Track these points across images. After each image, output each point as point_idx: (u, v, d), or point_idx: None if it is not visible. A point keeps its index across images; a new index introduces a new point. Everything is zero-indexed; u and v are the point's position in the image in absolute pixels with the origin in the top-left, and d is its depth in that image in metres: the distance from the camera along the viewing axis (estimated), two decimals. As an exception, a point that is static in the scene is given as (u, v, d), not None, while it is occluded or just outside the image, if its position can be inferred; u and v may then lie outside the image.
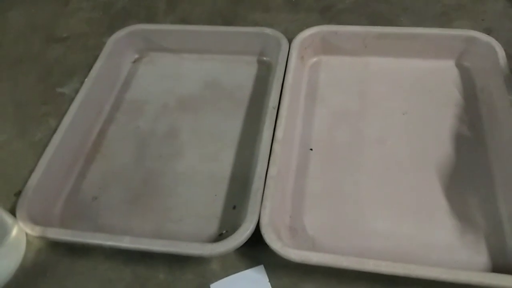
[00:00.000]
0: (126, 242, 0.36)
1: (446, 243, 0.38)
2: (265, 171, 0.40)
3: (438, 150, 0.43)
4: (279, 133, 0.42)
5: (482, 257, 0.37)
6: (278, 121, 0.43)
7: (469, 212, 0.39)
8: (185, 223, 0.41)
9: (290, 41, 0.51)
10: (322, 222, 0.40)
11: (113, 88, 0.53)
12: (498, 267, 0.36)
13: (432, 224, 0.39)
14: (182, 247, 0.36)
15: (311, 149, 0.45)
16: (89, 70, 0.51)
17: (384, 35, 0.49)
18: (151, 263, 0.39)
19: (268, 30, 0.52)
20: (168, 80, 0.53)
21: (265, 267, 0.38)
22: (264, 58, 0.54)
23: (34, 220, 0.39)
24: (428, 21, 0.56)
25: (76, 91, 0.50)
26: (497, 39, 0.47)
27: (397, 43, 0.49)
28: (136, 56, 0.57)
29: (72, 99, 0.49)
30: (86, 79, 0.50)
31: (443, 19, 0.56)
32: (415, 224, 0.39)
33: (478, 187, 0.41)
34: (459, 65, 0.50)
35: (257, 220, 0.37)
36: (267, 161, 0.40)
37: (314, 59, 0.52)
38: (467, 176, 0.41)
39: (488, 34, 0.48)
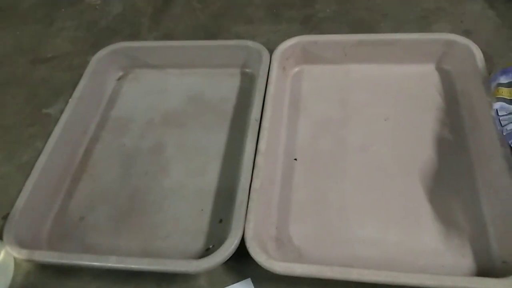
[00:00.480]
0: (112, 262, 0.36)
1: (432, 248, 0.38)
2: (249, 184, 0.40)
3: (421, 155, 0.44)
4: (262, 145, 0.42)
5: (467, 260, 0.37)
6: (261, 133, 0.43)
7: (453, 215, 0.39)
8: (172, 239, 0.41)
9: (272, 52, 0.51)
10: (308, 231, 0.40)
11: (98, 106, 0.53)
12: (483, 269, 0.36)
13: (418, 229, 0.39)
14: (167, 265, 0.36)
15: (296, 159, 0.45)
16: (74, 90, 0.52)
17: (364, 42, 0.49)
18: (139, 281, 0.39)
19: (249, 43, 0.52)
20: (153, 96, 0.54)
21: (252, 280, 0.38)
22: (247, 70, 0.54)
23: (21, 243, 0.40)
24: (408, 25, 0.57)
25: (62, 111, 0.50)
26: (476, 40, 0.48)
27: (377, 50, 0.50)
28: (121, 73, 0.57)
29: (57, 120, 0.49)
30: (70, 99, 0.50)
31: (423, 23, 0.57)
32: (401, 230, 0.39)
33: (461, 190, 0.41)
34: (439, 69, 0.50)
35: (242, 234, 0.37)
36: (251, 174, 0.40)
37: (296, 69, 0.53)
38: (450, 179, 0.42)
39: (467, 36, 0.49)
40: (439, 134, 0.45)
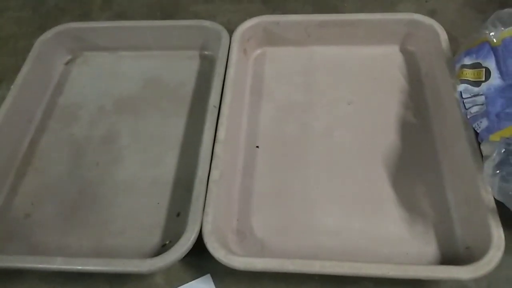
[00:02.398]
0: (58, 264, 0.34)
1: (396, 236, 0.37)
2: (207, 175, 0.38)
3: (384, 139, 0.42)
4: (221, 133, 0.40)
5: (431, 247, 0.36)
6: (220, 120, 0.41)
7: (417, 201, 0.39)
8: (126, 235, 0.39)
9: (232, 33, 0.48)
10: (271, 223, 0.39)
11: (44, 93, 0.49)
12: (448, 255, 0.36)
13: (382, 217, 0.38)
14: (117, 265, 0.33)
15: (258, 147, 0.43)
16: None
17: (326, 23, 0.47)
18: (91, 282, 0.37)
19: (207, 23, 0.49)
20: (105, 81, 0.50)
21: (212, 276, 0.36)
22: (206, 53, 0.51)
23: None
24: (373, 5, 0.55)
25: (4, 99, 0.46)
26: (441, 21, 0.47)
27: (340, 31, 0.48)
28: (69, 57, 0.53)
29: (-1, 109, 0.45)
30: (12, 86, 0.46)
31: (387, 3, 0.55)
32: (365, 218, 0.38)
33: (425, 174, 0.40)
34: (403, 50, 0.49)
35: (200, 229, 0.35)
36: (209, 164, 0.38)
37: (258, 51, 0.50)
38: (414, 164, 0.41)
39: (432, 16, 0.47)
40: (403, 117, 0.44)
